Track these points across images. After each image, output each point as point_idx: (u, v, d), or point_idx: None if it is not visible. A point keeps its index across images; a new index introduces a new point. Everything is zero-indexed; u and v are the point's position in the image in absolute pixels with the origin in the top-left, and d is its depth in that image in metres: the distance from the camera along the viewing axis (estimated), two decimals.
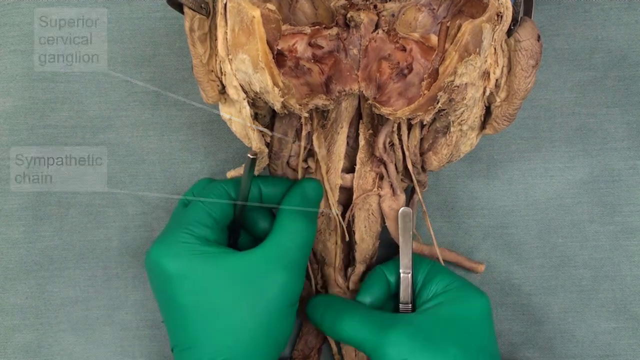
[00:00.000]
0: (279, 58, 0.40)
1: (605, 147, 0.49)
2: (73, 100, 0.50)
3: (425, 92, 0.38)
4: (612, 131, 0.49)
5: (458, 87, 0.37)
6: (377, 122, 0.44)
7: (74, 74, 0.50)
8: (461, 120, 0.40)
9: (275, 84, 0.37)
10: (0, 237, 0.50)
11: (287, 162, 0.45)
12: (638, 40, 0.49)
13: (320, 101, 0.40)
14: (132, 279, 0.50)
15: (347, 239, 0.45)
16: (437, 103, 0.38)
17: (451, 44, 0.37)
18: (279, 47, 0.40)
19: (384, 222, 0.46)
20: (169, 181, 0.50)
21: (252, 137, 0.41)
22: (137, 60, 0.50)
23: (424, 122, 0.41)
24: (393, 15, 0.42)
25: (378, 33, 0.41)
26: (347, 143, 0.44)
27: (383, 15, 0.41)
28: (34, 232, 0.50)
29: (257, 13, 0.36)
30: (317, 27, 0.41)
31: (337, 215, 0.45)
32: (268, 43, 0.36)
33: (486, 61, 0.38)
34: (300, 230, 0.40)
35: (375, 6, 0.41)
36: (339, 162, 0.44)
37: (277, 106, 0.38)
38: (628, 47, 0.49)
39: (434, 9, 0.42)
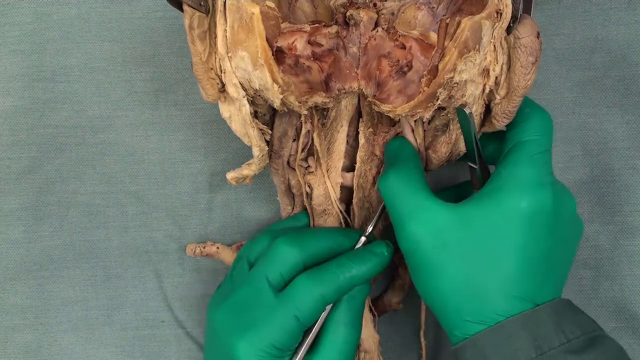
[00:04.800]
0: (279, 55, 0.40)
1: (605, 147, 0.49)
2: (73, 100, 0.50)
3: (425, 88, 0.37)
4: (612, 131, 0.49)
5: (457, 83, 0.37)
6: (377, 121, 0.44)
7: (74, 73, 0.50)
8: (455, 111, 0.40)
9: (274, 80, 0.37)
10: (0, 237, 0.50)
11: (287, 162, 0.45)
12: (638, 40, 0.49)
13: (319, 98, 0.40)
14: (132, 279, 0.50)
15: None
16: (437, 100, 0.38)
17: (451, 40, 0.37)
18: (279, 45, 0.40)
19: (385, 221, 0.46)
20: (169, 181, 0.50)
21: (252, 135, 0.41)
22: (137, 60, 0.50)
23: (424, 120, 0.41)
24: (392, 14, 0.42)
25: (377, 31, 0.41)
26: (347, 142, 0.44)
27: (382, 14, 0.41)
28: (34, 232, 0.50)
29: (256, 10, 0.36)
30: (316, 25, 0.41)
31: (340, 212, 0.45)
32: (267, 40, 0.36)
33: (485, 58, 0.38)
34: (347, 342, 0.41)
35: (374, 5, 0.41)
36: (339, 160, 0.44)
37: (277, 103, 0.38)
38: (628, 47, 0.49)
39: (433, 7, 0.42)
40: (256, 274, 0.42)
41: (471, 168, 0.42)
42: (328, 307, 0.41)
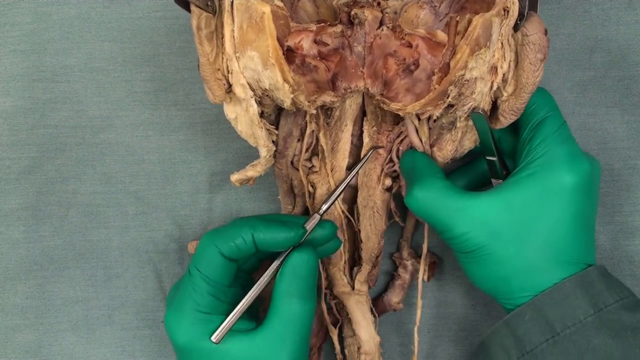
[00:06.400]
0: (289, 55, 0.40)
1: (605, 147, 0.49)
2: (73, 100, 0.50)
3: (436, 86, 0.38)
4: (612, 131, 0.49)
5: (468, 81, 0.37)
6: (381, 119, 0.44)
7: (74, 73, 0.50)
8: (468, 115, 0.40)
9: (285, 80, 0.37)
10: (0, 237, 0.50)
11: (291, 162, 0.44)
12: (638, 40, 0.49)
13: (328, 98, 0.40)
14: (132, 279, 0.50)
15: (345, 238, 0.45)
16: (447, 97, 0.38)
17: (462, 38, 0.37)
18: (288, 44, 0.40)
19: (389, 220, 0.46)
20: (168, 181, 0.50)
21: (259, 135, 0.40)
22: (137, 60, 0.50)
23: (434, 118, 0.41)
24: (395, 13, 0.42)
25: (383, 30, 0.41)
26: (351, 141, 0.44)
27: (386, 13, 0.41)
28: (34, 232, 0.50)
29: (267, 9, 0.36)
30: (322, 24, 0.41)
31: (342, 212, 0.45)
32: (278, 39, 0.36)
33: (494, 55, 0.38)
34: (296, 315, 0.40)
35: (378, 4, 0.41)
36: (344, 160, 0.44)
37: (287, 103, 0.38)
38: (628, 47, 0.49)
39: (435, 6, 0.42)
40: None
41: (489, 161, 0.43)
42: (267, 273, 0.41)
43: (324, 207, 0.42)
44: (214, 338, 0.39)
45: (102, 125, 0.50)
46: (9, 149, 0.50)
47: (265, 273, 0.41)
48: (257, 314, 0.44)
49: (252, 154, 0.49)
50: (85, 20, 0.50)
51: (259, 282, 0.41)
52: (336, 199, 0.43)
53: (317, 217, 0.42)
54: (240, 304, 0.40)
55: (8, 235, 0.50)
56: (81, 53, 0.50)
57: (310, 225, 0.42)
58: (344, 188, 0.43)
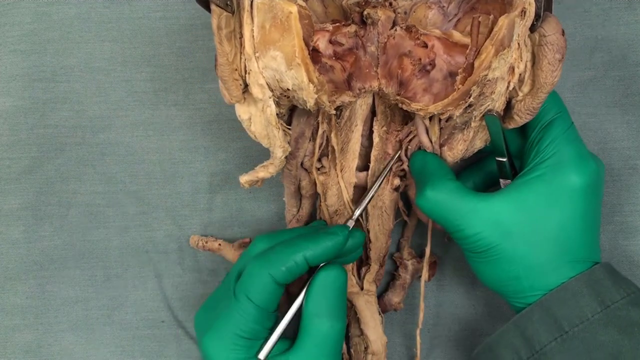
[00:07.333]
0: (313, 55, 0.40)
1: (605, 147, 0.49)
2: (73, 100, 0.50)
3: (460, 86, 0.38)
4: (612, 131, 0.49)
5: (490, 81, 0.38)
6: (390, 120, 0.44)
7: (74, 73, 0.50)
8: (483, 116, 0.40)
9: (310, 80, 0.37)
10: (0, 237, 0.50)
11: (301, 163, 0.44)
12: (638, 40, 0.49)
13: (347, 98, 0.40)
14: (132, 279, 0.50)
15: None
16: (469, 97, 0.38)
17: (486, 38, 0.37)
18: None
19: (396, 219, 0.46)
20: (169, 181, 0.50)
21: (275, 136, 0.40)
22: (137, 60, 0.50)
23: (454, 117, 0.41)
24: (405, 13, 0.42)
25: (396, 30, 0.41)
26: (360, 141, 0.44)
27: (398, 13, 0.42)
28: (34, 232, 0.50)
29: (294, 9, 0.36)
30: (337, 24, 0.41)
31: (351, 213, 0.45)
32: (303, 39, 0.36)
33: (512, 56, 0.38)
34: (326, 335, 0.39)
35: (390, 4, 0.42)
36: (353, 160, 0.44)
37: (310, 103, 0.38)
38: (628, 47, 0.49)
39: (443, 6, 0.42)
40: (230, 274, 0.41)
41: (498, 162, 0.43)
42: (301, 294, 0.40)
43: (357, 212, 0.42)
44: (261, 356, 0.39)
45: (102, 125, 0.50)
46: (9, 149, 0.50)
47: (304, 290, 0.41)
48: (292, 330, 0.43)
49: (252, 154, 0.49)
50: (85, 20, 0.50)
51: (294, 304, 0.40)
52: (368, 202, 0.43)
53: (351, 222, 0.42)
54: (278, 327, 0.40)
55: (8, 235, 0.50)
56: (81, 53, 0.50)
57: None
58: (375, 192, 0.43)
